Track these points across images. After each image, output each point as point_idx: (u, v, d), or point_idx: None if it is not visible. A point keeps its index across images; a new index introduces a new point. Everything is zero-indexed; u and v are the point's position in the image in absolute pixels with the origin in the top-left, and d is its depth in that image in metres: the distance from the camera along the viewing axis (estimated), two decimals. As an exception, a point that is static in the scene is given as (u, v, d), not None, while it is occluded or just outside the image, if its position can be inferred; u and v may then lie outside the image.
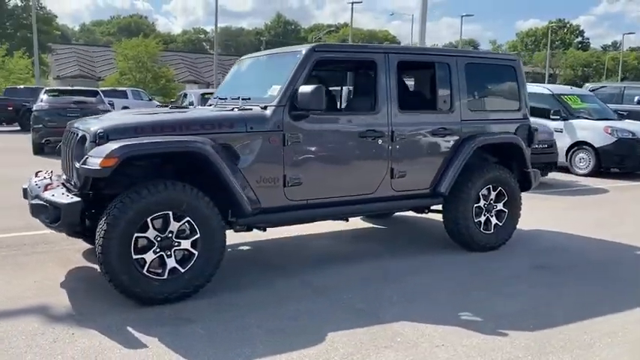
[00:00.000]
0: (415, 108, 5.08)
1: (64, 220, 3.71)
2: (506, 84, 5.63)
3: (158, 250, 3.79)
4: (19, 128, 20.36)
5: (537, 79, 58.41)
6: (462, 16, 46.18)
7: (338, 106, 5.14)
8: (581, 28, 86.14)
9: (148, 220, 3.72)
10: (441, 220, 5.38)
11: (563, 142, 11.21)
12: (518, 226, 6.34)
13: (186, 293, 3.88)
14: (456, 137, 5.14)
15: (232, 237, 5.07)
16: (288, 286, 4.30)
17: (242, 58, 5.62)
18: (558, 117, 11.30)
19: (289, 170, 4.35)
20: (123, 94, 24.26)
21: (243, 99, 4.72)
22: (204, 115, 4.36)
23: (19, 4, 48.17)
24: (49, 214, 3.79)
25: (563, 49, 75.85)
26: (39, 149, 12.44)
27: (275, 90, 4.44)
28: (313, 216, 4.64)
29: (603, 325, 3.65)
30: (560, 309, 3.91)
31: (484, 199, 5.31)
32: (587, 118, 11.41)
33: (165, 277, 3.82)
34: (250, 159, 4.21)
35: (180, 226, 3.85)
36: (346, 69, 5.64)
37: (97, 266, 4.09)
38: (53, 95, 13.49)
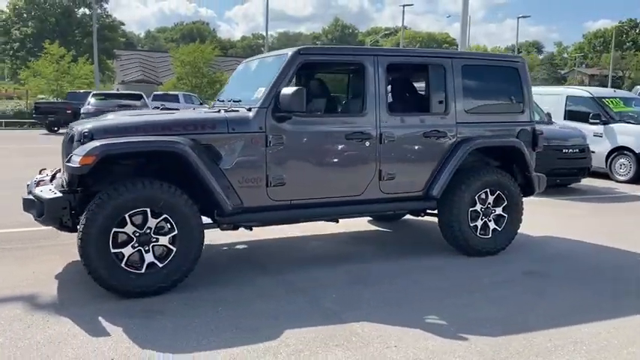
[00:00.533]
0: (407, 110, 5.07)
1: (47, 215, 3.95)
2: (509, 86, 5.50)
3: (137, 245, 3.96)
4: (77, 130, 21.39)
5: (604, 82, 55.99)
6: (519, 18, 44.91)
7: (328, 109, 5.16)
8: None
9: (126, 216, 3.90)
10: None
11: (602, 147, 10.80)
12: (526, 232, 6.24)
13: (163, 287, 4.03)
14: (451, 140, 5.08)
15: (230, 236, 5.28)
16: (268, 284, 4.38)
17: (244, 61, 5.77)
18: (598, 121, 10.87)
19: (272, 171, 4.44)
20: (175, 98, 25.08)
21: (234, 101, 4.87)
22: (186, 116, 4.53)
23: (87, 12, 50.76)
24: (37, 208, 4.04)
25: (635, 50, 72.19)
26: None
27: (260, 92, 4.54)
28: (298, 216, 4.70)
29: (573, 333, 3.53)
30: (536, 316, 3.81)
31: (481, 203, 5.22)
32: (629, 123, 10.90)
33: (143, 271, 3.99)
34: (233, 159, 4.33)
35: (159, 222, 4.01)
36: (335, 71, 5.68)
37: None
38: (99, 99, 14.21)
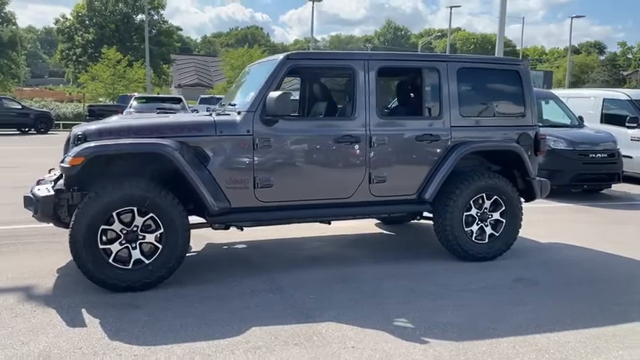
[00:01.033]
0: (399, 114, 5.08)
1: (40, 212, 4.21)
2: (509, 89, 5.42)
3: (124, 242, 4.17)
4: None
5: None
6: (572, 17, 43.25)
7: (318, 112, 5.24)
8: None
9: (114, 214, 4.12)
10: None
11: (641, 152, 10.35)
12: (535, 238, 6.12)
13: (148, 283, 4.22)
14: (445, 144, 5.05)
15: (231, 235, 5.47)
16: (253, 283, 4.50)
17: (249, 65, 5.92)
18: (635, 124, 10.42)
19: (260, 173, 4.56)
20: (218, 101, 25.65)
21: (230, 104, 5.04)
22: (177, 119, 4.72)
23: (145, 18, 52.52)
24: (33, 205, 4.32)
25: None
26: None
27: (250, 96, 4.68)
28: (286, 217, 4.79)
29: (540, 341, 3.47)
30: (509, 323, 3.75)
31: (477, 208, 5.17)
32: (671, 127, 10.40)
33: (129, 267, 4.19)
34: (220, 161, 4.48)
35: (146, 221, 4.21)
36: (325, 75, 5.72)
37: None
38: (141, 102, 14.76)
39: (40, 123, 22.68)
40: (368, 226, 6.64)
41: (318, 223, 5.31)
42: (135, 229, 4.19)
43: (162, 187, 4.22)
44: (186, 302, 4.04)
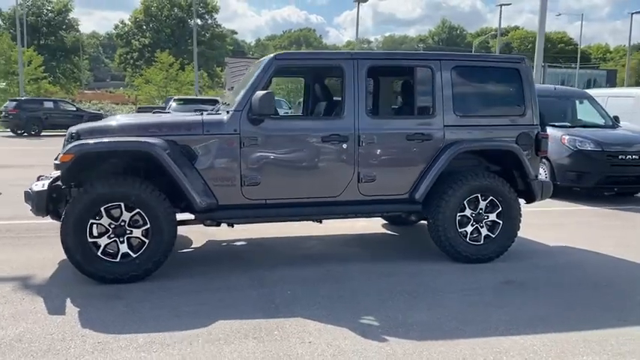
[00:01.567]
0: (389, 113, 5.06)
1: (35, 206, 4.45)
2: (508, 87, 5.30)
3: (112, 236, 4.36)
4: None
5: None
6: (632, 14, 41.45)
7: (307, 111, 5.28)
8: None
9: (102, 209, 4.31)
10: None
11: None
12: (544, 241, 5.98)
13: (135, 276, 4.39)
14: (438, 143, 4.99)
15: (231, 233, 5.64)
16: (236, 278, 4.60)
17: (250, 65, 6.03)
18: (677, 125, 9.90)
19: (246, 171, 4.65)
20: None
21: (224, 104, 5.17)
22: (167, 119, 4.88)
23: (199, 22, 54.00)
24: (30, 200, 4.57)
25: None
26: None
27: (239, 96, 4.79)
28: (274, 215, 4.86)
29: (503, 343, 3.40)
30: (479, 325, 3.69)
31: (471, 209, 5.08)
32: None
33: (117, 260, 4.38)
34: (208, 159, 4.61)
35: (133, 216, 4.38)
36: (314, 75, 5.73)
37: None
38: (179, 103, 15.20)
39: (94, 124, 23.65)
40: (374, 226, 6.63)
41: (316, 223, 5.35)
42: (122, 223, 4.37)
43: (149, 184, 4.38)
44: (167, 295, 4.18)
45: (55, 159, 4.41)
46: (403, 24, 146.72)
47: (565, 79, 50.13)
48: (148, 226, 4.39)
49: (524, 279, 4.70)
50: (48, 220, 4.87)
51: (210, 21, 53.55)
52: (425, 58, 5.21)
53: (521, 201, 5.39)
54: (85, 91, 51.74)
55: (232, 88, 38.68)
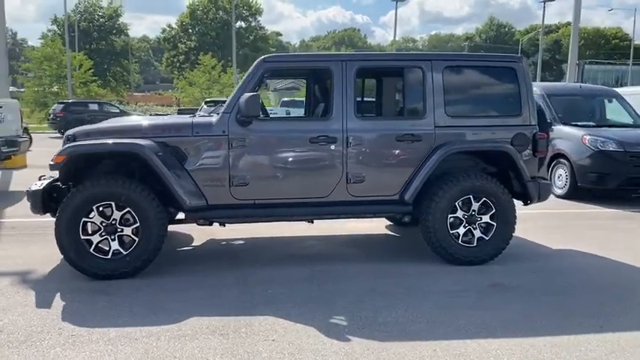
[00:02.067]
0: (379, 114, 5.05)
1: (32, 205, 4.68)
2: (503, 87, 5.20)
3: (104, 234, 4.54)
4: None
5: None
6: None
7: (296, 112, 5.32)
8: None
9: (94, 207, 4.50)
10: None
11: None
12: (549, 244, 5.87)
13: (125, 272, 4.56)
14: (429, 144, 4.95)
15: (232, 232, 5.75)
16: (222, 277, 4.69)
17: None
18: None
19: (235, 171, 4.76)
20: (301, 104, 26.20)
21: (221, 105, 5.29)
22: (158, 121, 5.03)
23: (243, 25, 54.92)
24: (29, 199, 4.81)
25: None
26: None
27: (229, 98, 4.90)
28: (263, 215, 4.94)
29: (464, 347, 3.36)
30: (449, 327, 3.66)
31: (464, 210, 5.01)
32: None
33: (109, 257, 4.55)
34: (197, 160, 4.73)
35: (123, 215, 4.55)
36: (303, 77, 5.77)
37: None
38: (210, 105, 15.53)
39: (136, 126, 24.48)
40: (377, 227, 6.62)
41: (321, 223, 5.39)
42: (113, 222, 4.54)
43: (139, 184, 4.54)
44: (153, 292, 4.32)
45: (51, 160, 4.62)
46: (451, 22, 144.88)
47: (619, 76, 48.16)
48: (138, 224, 4.55)
49: (512, 282, 4.61)
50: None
51: (253, 23, 54.34)
52: (415, 58, 5.18)
53: (519, 202, 5.29)
54: (135, 94, 53.43)
55: (276, 89, 39.00)
